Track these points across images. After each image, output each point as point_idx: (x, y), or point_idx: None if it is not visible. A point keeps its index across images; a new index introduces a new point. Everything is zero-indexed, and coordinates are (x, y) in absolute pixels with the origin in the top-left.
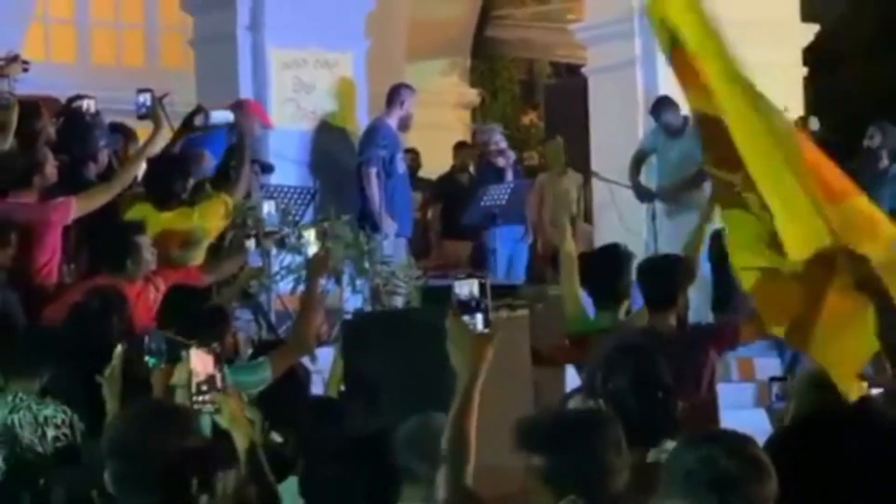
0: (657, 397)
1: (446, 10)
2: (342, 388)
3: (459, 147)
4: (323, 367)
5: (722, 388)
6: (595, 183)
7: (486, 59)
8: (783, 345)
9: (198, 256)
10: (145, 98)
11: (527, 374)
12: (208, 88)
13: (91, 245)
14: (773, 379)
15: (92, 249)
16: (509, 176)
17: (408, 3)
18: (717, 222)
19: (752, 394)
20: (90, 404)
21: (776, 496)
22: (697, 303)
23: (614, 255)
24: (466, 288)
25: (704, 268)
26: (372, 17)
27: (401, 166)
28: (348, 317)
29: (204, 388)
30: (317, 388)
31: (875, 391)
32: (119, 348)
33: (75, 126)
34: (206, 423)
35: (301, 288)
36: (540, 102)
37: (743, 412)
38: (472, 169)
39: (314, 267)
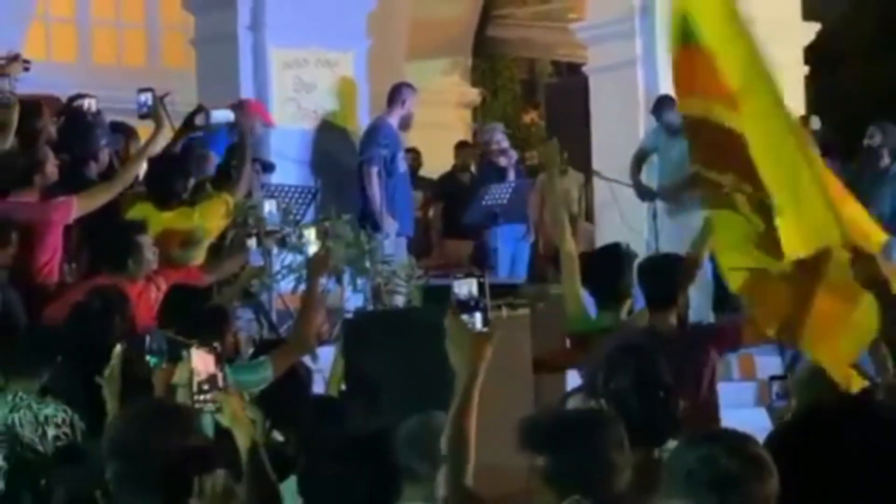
0: (659, 397)
1: (447, 10)
2: (343, 387)
3: (461, 146)
4: (324, 366)
5: (723, 387)
6: (596, 182)
7: (487, 58)
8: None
9: (198, 256)
10: (146, 97)
11: (527, 373)
12: (209, 88)
13: (92, 244)
14: (773, 378)
15: (93, 249)
16: (511, 175)
17: (409, 2)
18: None
19: (753, 393)
20: (91, 404)
21: (777, 494)
22: (698, 302)
23: (616, 255)
24: (465, 287)
25: (706, 267)
26: (373, 16)
27: (402, 165)
28: (349, 316)
29: (205, 387)
30: (318, 388)
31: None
32: (117, 348)
33: (76, 125)
34: (208, 423)
35: (302, 287)
36: (541, 102)
37: (744, 411)
38: (473, 168)
39: (315, 266)
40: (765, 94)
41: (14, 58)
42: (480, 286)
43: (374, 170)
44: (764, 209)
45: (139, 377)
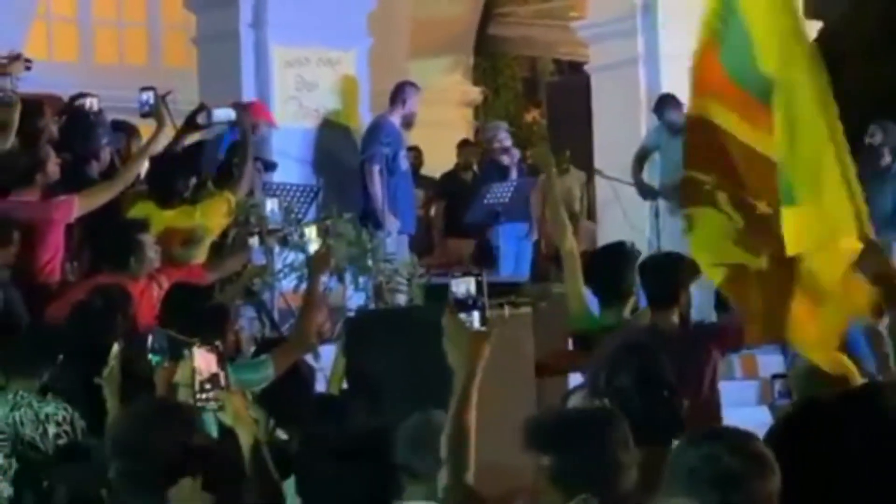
0: (662, 396)
1: (449, 8)
2: (344, 385)
3: (463, 145)
4: (325, 364)
5: (725, 386)
6: (598, 180)
7: (488, 56)
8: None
9: (200, 254)
10: (148, 96)
11: (529, 371)
12: (211, 87)
13: (94, 243)
14: (775, 376)
15: (95, 247)
16: (513, 174)
17: (410, 1)
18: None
19: (755, 391)
20: (92, 402)
21: (779, 492)
22: (700, 301)
23: (619, 253)
24: (463, 286)
25: None
26: (374, 15)
27: (403, 164)
28: (351, 314)
29: (207, 386)
30: (321, 386)
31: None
32: (115, 348)
33: (78, 124)
34: (211, 422)
35: (304, 285)
36: (542, 100)
37: (746, 410)
38: (475, 167)
39: (315, 264)
40: (801, 74)
41: (16, 57)
42: (479, 285)
43: (376, 168)
44: (745, 206)
45: (139, 376)
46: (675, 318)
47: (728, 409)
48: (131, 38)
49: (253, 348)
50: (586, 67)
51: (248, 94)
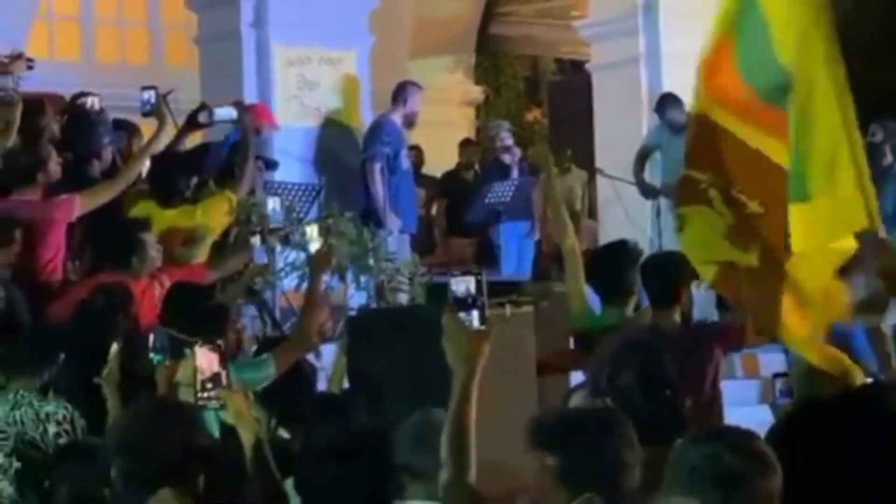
0: (664, 395)
1: (450, 7)
2: (345, 384)
3: (465, 144)
4: (326, 363)
5: (726, 385)
6: (599, 179)
7: (490, 55)
8: None
9: (201, 254)
10: (150, 95)
11: (531, 370)
12: (212, 86)
13: (95, 242)
14: (777, 375)
15: (96, 247)
16: (515, 173)
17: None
18: None
19: (757, 390)
20: (93, 401)
21: (781, 491)
22: (702, 300)
23: (622, 251)
24: (462, 285)
25: None
26: (376, 14)
27: (405, 163)
28: (353, 313)
29: (209, 385)
30: (323, 385)
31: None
32: (114, 347)
33: (79, 123)
34: (213, 421)
35: (305, 284)
36: (544, 99)
37: (747, 409)
38: (477, 166)
39: (316, 263)
40: (819, 66)
41: (18, 56)
42: (478, 284)
43: (378, 167)
44: (736, 203)
45: (141, 375)
46: (677, 317)
47: (729, 408)
48: (133, 38)
49: (254, 347)
50: (588, 66)
51: (250, 94)
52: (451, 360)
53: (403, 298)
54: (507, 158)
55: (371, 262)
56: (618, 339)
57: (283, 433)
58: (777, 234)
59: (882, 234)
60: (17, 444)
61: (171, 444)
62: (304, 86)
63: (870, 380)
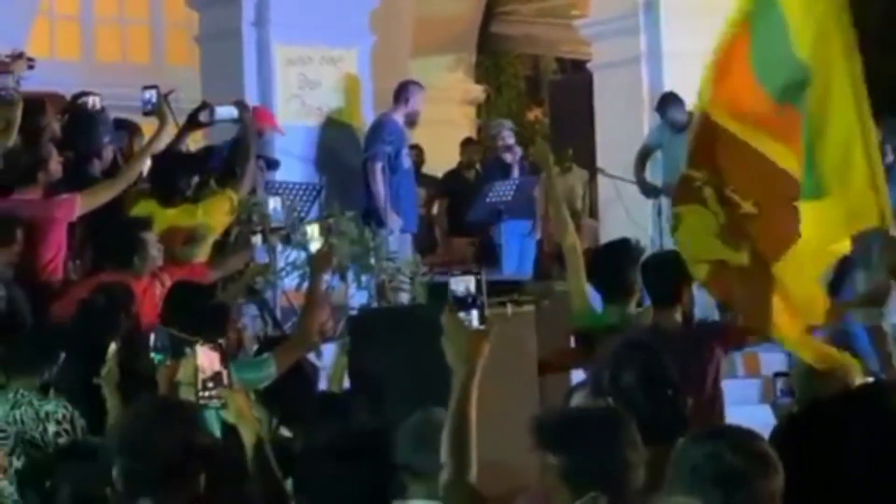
0: (666, 394)
1: (451, 7)
2: (345, 384)
3: (466, 143)
4: (327, 363)
5: (727, 384)
6: (600, 179)
7: (490, 55)
8: None
9: (202, 253)
10: (150, 94)
11: (532, 369)
12: (213, 85)
13: (96, 241)
14: (777, 374)
15: (97, 246)
16: (516, 172)
17: None
18: None
19: (758, 390)
20: (93, 401)
21: (782, 490)
22: (704, 299)
23: (623, 249)
24: (462, 284)
25: None
26: (377, 13)
27: (406, 162)
28: (354, 313)
29: (210, 384)
30: (324, 384)
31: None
32: (112, 347)
33: (80, 123)
34: (214, 420)
35: (306, 284)
36: (545, 98)
37: (748, 408)
38: (478, 165)
39: (317, 262)
40: (836, 61)
41: (18, 55)
42: (478, 283)
43: (379, 166)
44: (729, 203)
45: (141, 374)
46: (678, 317)
47: (730, 408)
48: (134, 37)
49: (255, 347)
50: (589, 65)
51: (251, 93)
52: (450, 360)
53: (404, 298)
54: (508, 157)
55: (372, 261)
56: (619, 339)
57: (285, 432)
58: (769, 236)
59: (893, 231)
60: (17, 442)
61: (172, 444)
62: (305, 85)
63: (871, 379)
